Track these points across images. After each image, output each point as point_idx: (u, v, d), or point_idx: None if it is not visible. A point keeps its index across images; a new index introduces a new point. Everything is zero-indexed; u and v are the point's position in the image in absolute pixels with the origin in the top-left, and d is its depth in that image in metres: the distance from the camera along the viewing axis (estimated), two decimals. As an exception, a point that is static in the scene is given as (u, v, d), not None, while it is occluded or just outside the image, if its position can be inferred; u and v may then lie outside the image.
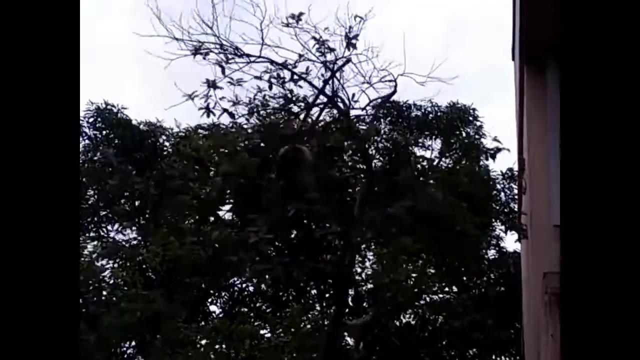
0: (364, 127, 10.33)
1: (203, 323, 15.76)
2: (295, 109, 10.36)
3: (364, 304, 15.44)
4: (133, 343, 13.79)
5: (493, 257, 16.97)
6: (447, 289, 16.54)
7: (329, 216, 9.59)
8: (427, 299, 16.23)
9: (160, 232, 11.39)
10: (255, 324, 14.57)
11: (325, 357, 10.16)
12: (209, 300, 16.36)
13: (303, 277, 13.66)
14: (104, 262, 13.94)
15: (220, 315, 16.14)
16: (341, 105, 9.65)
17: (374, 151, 11.97)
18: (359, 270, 15.30)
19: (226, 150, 10.46)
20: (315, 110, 10.04)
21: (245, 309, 16.43)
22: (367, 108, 9.95)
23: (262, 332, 13.70)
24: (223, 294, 16.59)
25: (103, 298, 12.99)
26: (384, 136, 13.24)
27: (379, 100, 10.00)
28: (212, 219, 11.45)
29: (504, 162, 19.00)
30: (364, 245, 13.69)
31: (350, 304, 14.92)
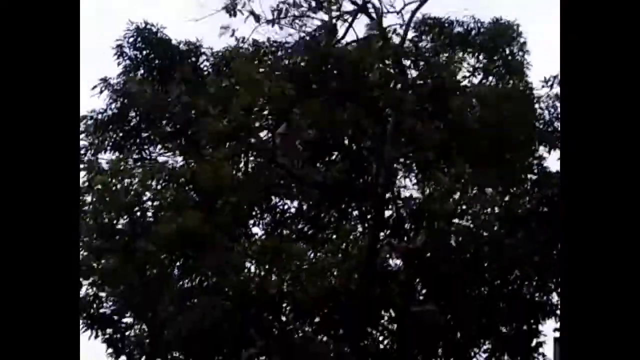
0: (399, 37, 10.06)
1: (247, 244, 15.87)
2: (325, 17, 10.14)
3: (408, 227, 15.39)
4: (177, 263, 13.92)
5: (536, 178, 16.72)
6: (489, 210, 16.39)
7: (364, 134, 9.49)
8: (471, 222, 16.10)
9: (201, 154, 11.40)
10: (298, 245, 14.59)
11: (365, 274, 10.20)
12: (251, 222, 16.40)
13: (343, 197, 13.73)
14: (147, 183, 14.00)
15: (263, 237, 16.21)
16: (373, 14, 9.39)
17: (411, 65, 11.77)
18: (402, 192, 15.23)
19: (265, 71, 10.37)
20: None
21: (288, 231, 16.48)
22: (402, 13, 9.64)
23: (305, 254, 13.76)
24: (265, 215, 16.61)
25: (148, 219, 13.10)
26: (425, 54, 13.01)
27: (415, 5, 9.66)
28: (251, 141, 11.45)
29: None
30: (401, 161, 13.63)
31: (392, 224, 14.89)
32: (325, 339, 12.21)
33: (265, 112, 11.79)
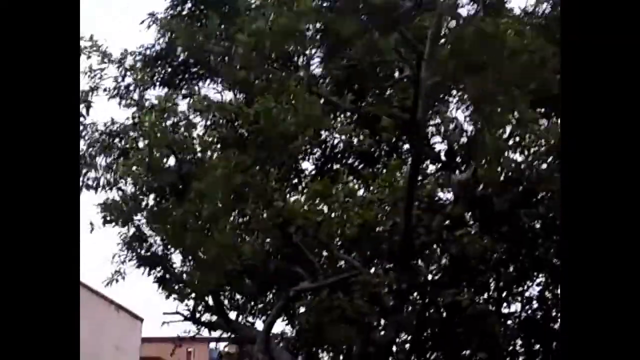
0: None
1: (296, 181, 15.86)
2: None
3: (459, 160, 15.21)
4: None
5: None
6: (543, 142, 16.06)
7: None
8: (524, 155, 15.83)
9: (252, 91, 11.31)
10: (349, 180, 14.52)
11: (409, 207, 10.10)
12: (301, 157, 16.36)
13: (394, 131, 13.53)
14: (196, 119, 14.02)
15: (313, 173, 16.18)
16: None
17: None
18: (453, 124, 15.00)
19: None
20: None
21: (338, 165, 16.42)
22: None
23: (354, 187, 13.68)
24: (315, 150, 16.55)
25: (196, 156, 13.11)
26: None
27: None
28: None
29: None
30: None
31: (444, 158, 14.73)
32: (373, 270, 12.20)
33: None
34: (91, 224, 13.50)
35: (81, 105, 13.98)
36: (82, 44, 12.49)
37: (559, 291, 17.79)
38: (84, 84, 13.83)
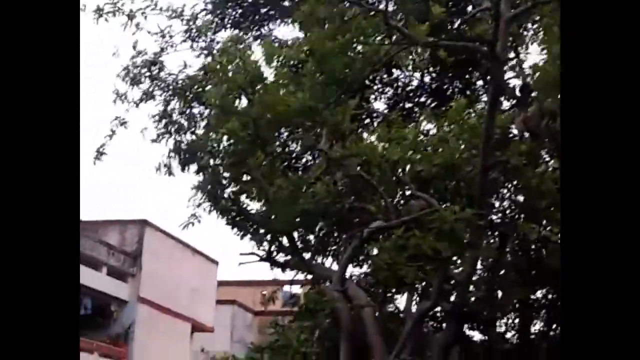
0: None
1: (368, 121, 15.76)
2: None
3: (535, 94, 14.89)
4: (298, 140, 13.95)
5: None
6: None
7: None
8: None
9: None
10: (421, 118, 14.36)
11: (487, 144, 9.90)
12: (373, 96, 16.22)
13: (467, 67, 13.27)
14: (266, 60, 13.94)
15: (386, 111, 16.04)
16: None
17: None
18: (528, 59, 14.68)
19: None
20: None
21: (410, 104, 16.25)
22: None
23: (427, 126, 13.52)
24: (386, 89, 16.41)
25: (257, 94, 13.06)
26: None
27: None
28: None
29: None
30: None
31: (518, 94, 14.42)
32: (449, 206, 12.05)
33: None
34: (167, 167, 13.66)
35: (153, 67, 14.10)
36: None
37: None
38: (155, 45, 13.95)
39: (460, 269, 12.27)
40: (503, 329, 15.16)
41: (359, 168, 12.01)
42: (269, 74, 12.83)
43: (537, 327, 16.53)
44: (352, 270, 13.70)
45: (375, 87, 16.01)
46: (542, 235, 11.82)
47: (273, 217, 12.75)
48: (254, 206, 13.62)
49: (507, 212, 13.19)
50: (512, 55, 14.29)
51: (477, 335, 15.10)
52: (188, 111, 14.38)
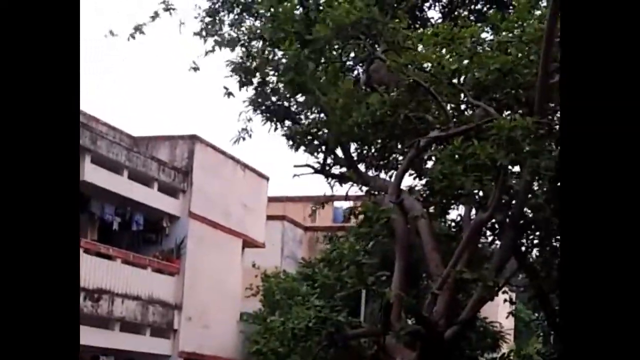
0: None
1: (421, 30, 15.37)
2: None
3: None
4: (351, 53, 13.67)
5: None
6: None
7: None
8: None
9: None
10: (478, 25, 13.94)
11: (548, 46, 9.58)
12: (427, 4, 15.82)
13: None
14: None
15: (440, 21, 15.64)
16: None
17: None
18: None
19: None
20: None
21: (465, 12, 15.82)
22: None
23: (484, 34, 13.10)
24: (441, -4, 15.99)
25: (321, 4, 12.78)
26: None
27: None
28: None
29: None
30: None
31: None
32: (507, 113, 11.77)
33: None
34: (226, 88, 13.30)
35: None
36: None
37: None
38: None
39: (519, 179, 12.05)
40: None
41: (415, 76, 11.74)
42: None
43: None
44: (411, 182, 13.53)
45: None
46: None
47: (327, 128, 12.58)
48: (309, 117, 13.48)
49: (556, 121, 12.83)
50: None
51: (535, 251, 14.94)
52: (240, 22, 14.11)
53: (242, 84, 13.09)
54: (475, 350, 16.74)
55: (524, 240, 14.19)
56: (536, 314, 23.64)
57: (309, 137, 13.43)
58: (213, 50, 13.24)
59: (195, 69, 13.23)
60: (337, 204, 30.31)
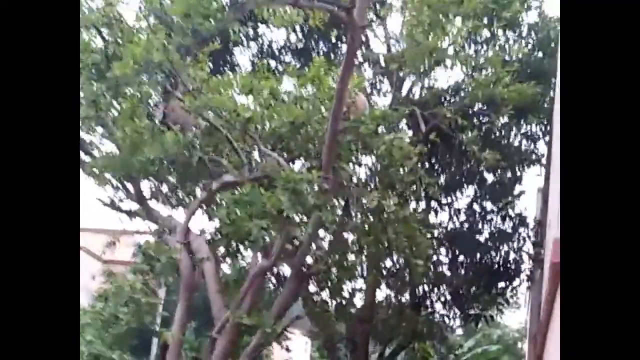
0: None
1: (230, 74, 15.54)
2: None
3: (398, 65, 15.00)
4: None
5: None
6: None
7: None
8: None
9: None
10: (279, 76, 14.24)
11: (338, 106, 9.86)
12: (236, 49, 16.03)
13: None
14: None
15: (248, 69, 15.90)
16: None
17: None
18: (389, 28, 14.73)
19: None
20: None
21: (273, 62, 16.13)
22: None
23: (289, 86, 13.38)
24: (252, 44, 16.23)
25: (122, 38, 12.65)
26: None
27: None
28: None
29: None
30: None
31: (383, 64, 14.51)
32: (297, 167, 12.04)
33: None
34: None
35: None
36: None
37: (486, 203, 18.03)
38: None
39: (305, 231, 12.28)
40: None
41: (211, 119, 11.84)
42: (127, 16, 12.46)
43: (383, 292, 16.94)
44: (204, 225, 13.51)
45: (239, 41, 15.81)
46: (380, 203, 11.86)
47: (119, 162, 12.39)
48: (103, 149, 13.23)
49: (357, 179, 13.25)
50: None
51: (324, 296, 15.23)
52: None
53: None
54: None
55: (311, 289, 14.48)
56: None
57: (99, 167, 13.13)
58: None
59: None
60: (139, 238, 29.79)
